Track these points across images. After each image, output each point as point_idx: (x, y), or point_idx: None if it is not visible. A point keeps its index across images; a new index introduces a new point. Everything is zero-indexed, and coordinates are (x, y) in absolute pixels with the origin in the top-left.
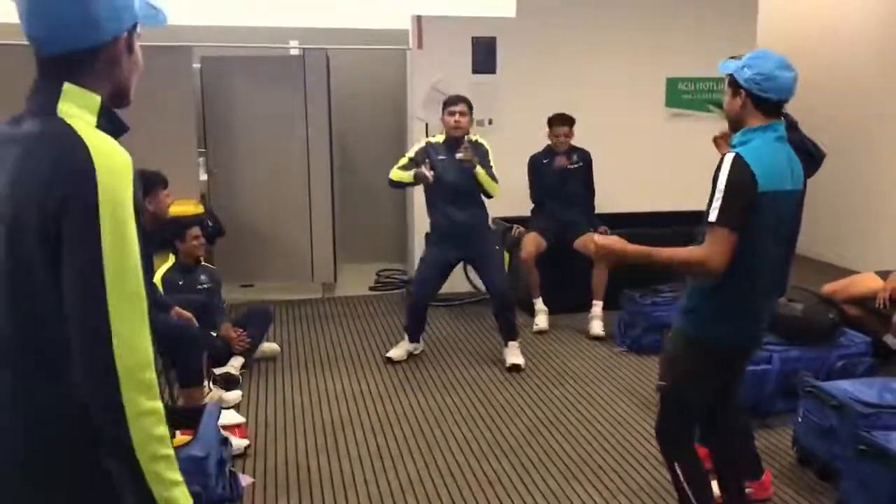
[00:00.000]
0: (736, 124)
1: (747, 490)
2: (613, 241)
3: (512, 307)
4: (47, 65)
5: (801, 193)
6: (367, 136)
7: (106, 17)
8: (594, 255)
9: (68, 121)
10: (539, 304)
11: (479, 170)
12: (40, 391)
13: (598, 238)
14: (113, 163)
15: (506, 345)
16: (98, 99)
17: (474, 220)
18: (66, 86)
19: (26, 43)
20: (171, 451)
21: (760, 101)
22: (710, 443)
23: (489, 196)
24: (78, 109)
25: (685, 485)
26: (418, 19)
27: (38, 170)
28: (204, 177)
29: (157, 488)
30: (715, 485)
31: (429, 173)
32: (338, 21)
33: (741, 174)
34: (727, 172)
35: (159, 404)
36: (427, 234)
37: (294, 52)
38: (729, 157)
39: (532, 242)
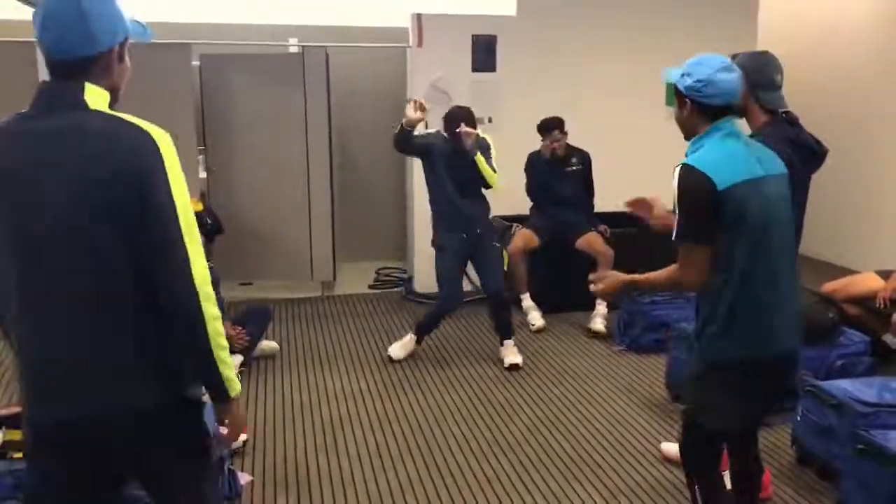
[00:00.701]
0: (687, 133)
1: None
2: (609, 284)
3: (507, 306)
4: (58, 67)
5: (782, 177)
6: (367, 135)
7: (101, 32)
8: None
9: (108, 111)
10: (527, 300)
11: (479, 157)
12: (141, 323)
13: (594, 288)
14: (165, 138)
15: (501, 343)
16: (107, 94)
17: (478, 210)
18: (87, 84)
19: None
20: (228, 345)
21: (705, 108)
22: (730, 455)
23: (488, 186)
24: (100, 99)
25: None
26: (418, 17)
27: (114, 154)
28: (203, 174)
29: (222, 367)
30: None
31: (410, 111)
32: (337, 19)
33: (692, 182)
34: (678, 186)
35: (219, 312)
36: (433, 242)
37: (293, 49)
38: (677, 171)
39: (521, 238)
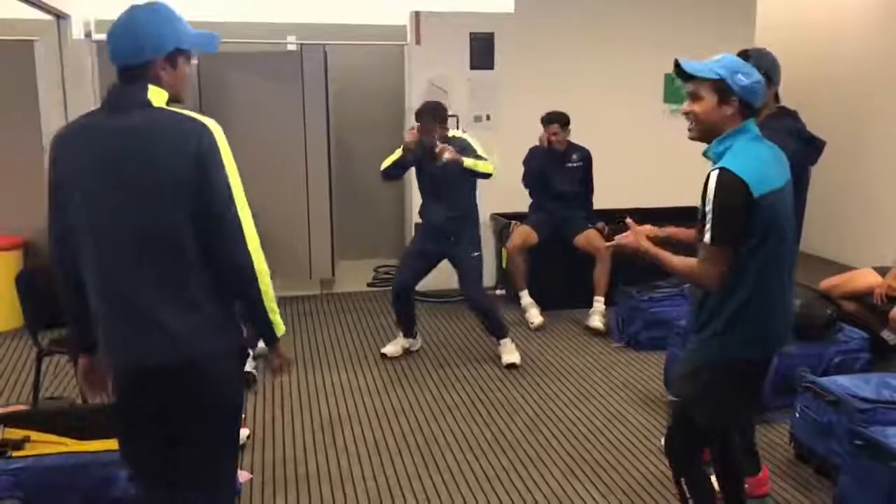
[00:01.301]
0: (709, 131)
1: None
2: (630, 242)
3: (490, 313)
4: (122, 72)
5: (790, 183)
6: (365, 132)
7: (147, 45)
8: (607, 246)
9: (168, 108)
10: (525, 297)
11: (466, 161)
12: (201, 285)
13: (620, 238)
14: (219, 129)
15: (498, 342)
16: (166, 94)
17: (454, 223)
18: (150, 86)
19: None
20: (273, 294)
21: (751, 109)
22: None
23: (487, 176)
24: (159, 97)
25: (689, 499)
26: (416, 15)
27: (180, 142)
28: None
29: (271, 314)
30: (714, 479)
31: (408, 136)
32: (335, 17)
33: (731, 189)
34: (715, 192)
35: (267, 267)
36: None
37: (292, 47)
38: (714, 175)
39: (519, 235)
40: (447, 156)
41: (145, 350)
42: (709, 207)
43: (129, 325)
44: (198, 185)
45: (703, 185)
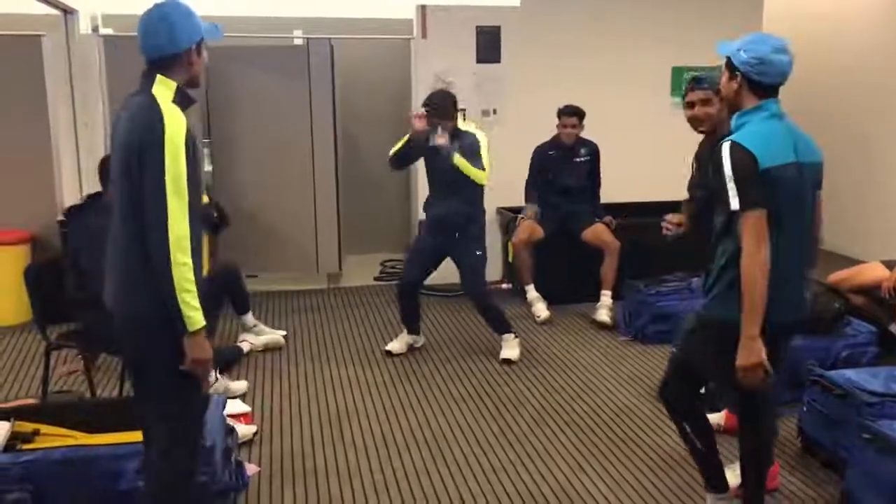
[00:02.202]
0: (732, 105)
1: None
2: (754, 359)
3: (491, 310)
4: (149, 64)
5: (815, 166)
6: (372, 126)
7: (182, 36)
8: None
9: (157, 96)
10: (531, 291)
11: (456, 158)
12: (142, 251)
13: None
14: (174, 120)
15: (501, 337)
16: (174, 84)
17: (458, 217)
18: (158, 76)
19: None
20: (195, 289)
21: (755, 85)
22: (738, 428)
23: (478, 184)
24: (165, 90)
25: (696, 439)
26: (423, 8)
27: (137, 123)
28: (208, 168)
29: (184, 307)
30: (730, 474)
31: (416, 120)
32: (342, 11)
33: (739, 157)
34: (729, 159)
35: (190, 262)
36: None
37: (298, 42)
38: (725, 146)
39: (525, 229)
40: (439, 141)
41: (110, 301)
42: (728, 176)
43: (110, 279)
44: (138, 169)
45: (712, 160)
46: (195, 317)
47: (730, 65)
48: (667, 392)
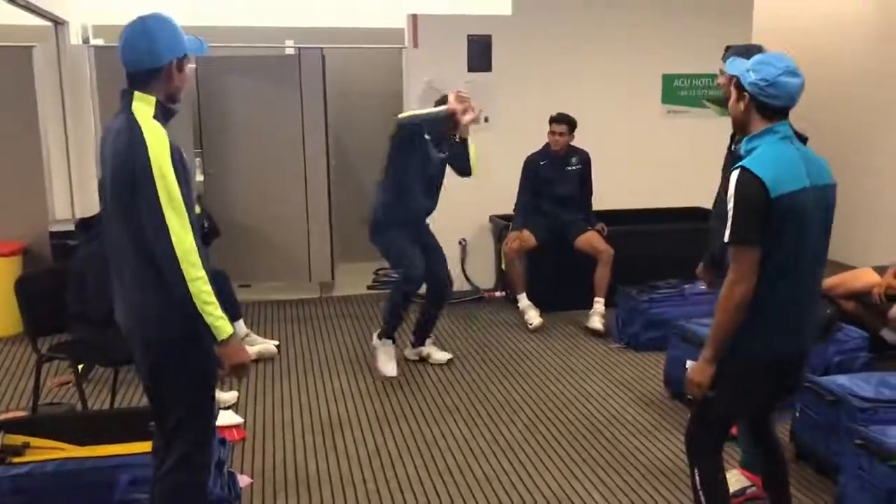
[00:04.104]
0: (740, 125)
1: (751, 488)
2: (699, 378)
3: (448, 296)
4: (130, 77)
5: (827, 188)
6: (363, 135)
7: (163, 50)
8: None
9: (136, 115)
10: (523, 299)
11: (471, 145)
12: (146, 277)
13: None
14: (156, 139)
15: (421, 343)
16: (154, 99)
17: (427, 216)
18: (136, 93)
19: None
20: (214, 300)
21: (764, 107)
22: (759, 465)
23: (468, 171)
24: (144, 106)
25: (700, 490)
26: (413, 18)
27: (121, 145)
28: (200, 177)
29: (208, 318)
30: (731, 477)
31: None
32: (333, 20)
33: (749, 187)
34: (734, 189)
35: (203, 273)
36: (379, 222)
37: (289, 51)
38: (735, 174)
39: (517, 238)
40: (468, 116)
41: (122, 321)
42: (730, 205)
43: (120, 301)
44: (130, 196)
45: (721, 184)
46: (222, 326)
47: (738, 85)
48: (687, 436)
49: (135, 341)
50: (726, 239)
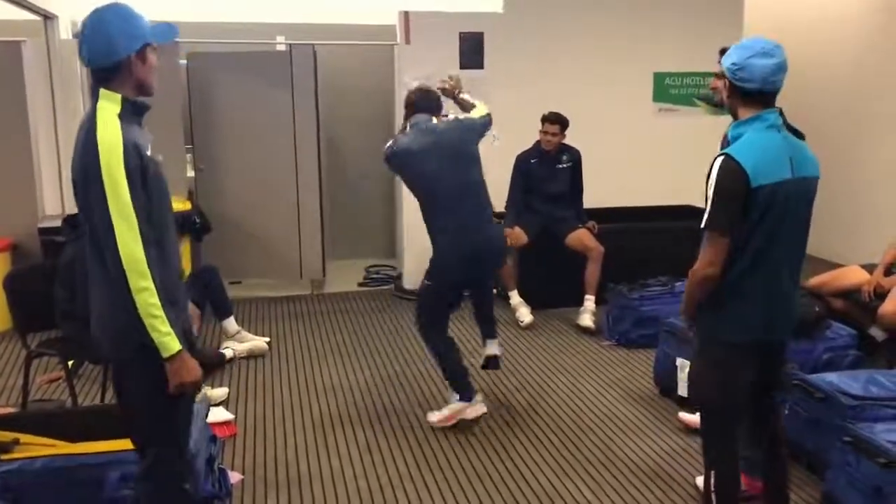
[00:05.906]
0: (732, 114)
1: (743, 489)
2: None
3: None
4: (93, 75)
5: (810, 180)
6: (355, 132)
7: (120, 42)
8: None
9: (98, 114)
10: (514, 296)
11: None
12: (105, 280)
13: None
14: (109, 141)
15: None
16: (119, 96)
17: None
18: (101, 90)
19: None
20: (161, 313)
21: (741, 91)
22: (762, 469)
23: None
24: (109, 103)
25: (712, 492)
26: (405, 15)
27: (79, 145)
28: (191, 173)
29: (153, 334)
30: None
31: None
32: (325, 17)
33: (730, 176)
34: (716, 176)
35: (151, 284)
36: None
37: (281, 47)
38: (718, 161)
39: (508, 236)
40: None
41: (93, 328)
42: (709, 191)
43: (92, 306)
44: (84, 195)
45: (707, 172)
46: (168, 342)
47: (724, 72)
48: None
49: (108, 350)
50: (702, 224)
